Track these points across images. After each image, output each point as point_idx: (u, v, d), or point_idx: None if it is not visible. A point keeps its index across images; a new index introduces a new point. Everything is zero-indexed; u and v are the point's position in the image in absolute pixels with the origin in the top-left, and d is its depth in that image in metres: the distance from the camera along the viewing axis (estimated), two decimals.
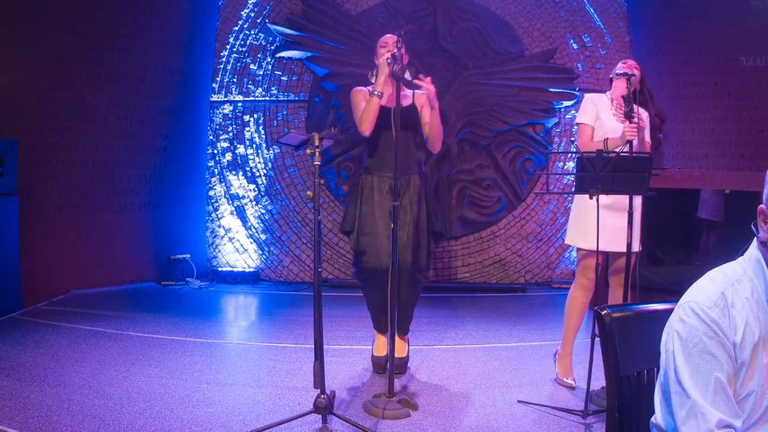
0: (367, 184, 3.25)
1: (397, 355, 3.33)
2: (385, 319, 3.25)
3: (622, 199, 3.05)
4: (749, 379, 1.20)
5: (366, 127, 3.15)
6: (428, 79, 3.13)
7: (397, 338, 3.31)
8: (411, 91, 3.30)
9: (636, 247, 3.06)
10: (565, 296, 3.35)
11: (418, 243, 3.21)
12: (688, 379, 1.20)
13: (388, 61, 3.03)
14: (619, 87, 3.15)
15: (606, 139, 2.93)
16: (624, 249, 2.99)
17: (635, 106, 2.93)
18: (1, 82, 4.82)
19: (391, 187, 3.17)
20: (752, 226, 1.27)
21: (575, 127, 3.35)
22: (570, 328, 3.23)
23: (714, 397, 1.18)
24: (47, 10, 5.01)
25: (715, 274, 1.28)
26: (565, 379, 3.21)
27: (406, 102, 3.19)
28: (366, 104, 3.15)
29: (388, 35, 3.30)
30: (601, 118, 3.17)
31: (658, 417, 1.32)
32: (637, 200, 3.05)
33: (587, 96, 3.27)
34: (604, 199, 3.00)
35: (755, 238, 1.28)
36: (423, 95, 3.26)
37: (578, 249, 3.23)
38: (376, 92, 3.11)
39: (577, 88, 5.96)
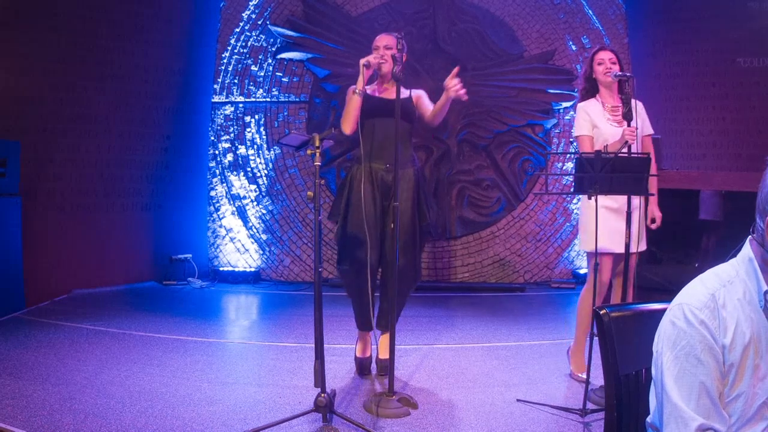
0: (357, 175, 3.20)
1: (381, 356, 3.33)
2: (367, 314, 3.24)
3: (626, 202, 3.08)
4: (739, 380, 1.20)
5: (347, 126, 3.16)
6: (456, 79, 3.04)
7: (381, 337, 3.32)
8: (408, 89, 3.29)
9: (642, 246, 3.09)
10: (564, 296, 3.38)
11: (408, 241, 3.19)
12: (672, 382, 1.20)
13: (364, 64, 3.09)
14: (607, 89, 3.19)
15: (606, 145, 2.94)
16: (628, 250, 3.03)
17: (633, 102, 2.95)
18: (4, 84, 4.85)
19: (383, 179, 3.17)
20: (751, 230, 1.27)
21: (574, 141, 3.33)
22: (582, 326, 3.26)
23: (697, 401, 1.17)
24: (49, 11, 5.03)
25: (707, 275, 1.28)
26: (579, 375, 3.24)
27: (401, 95, 3.17)
28: (347, 104, 3.16)
29: (382, 35, 3.30)
30: (598, 126, 3.15)
31: (652, 417, 1.33)
32: (639, 200, 3.07)
33: (579, 106, 3.24)
34: (610, 202, 3.03)
35: (748, 239, 1.28)
36: (417, 91, 3.33)
37: (588, 252, 3.26)
38: (357, 91, 3.12)
39: (576, 90, 5.98)
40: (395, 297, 2.96)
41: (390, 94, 3.21)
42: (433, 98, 3.32)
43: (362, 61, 3.11)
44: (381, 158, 3.18)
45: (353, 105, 3.13)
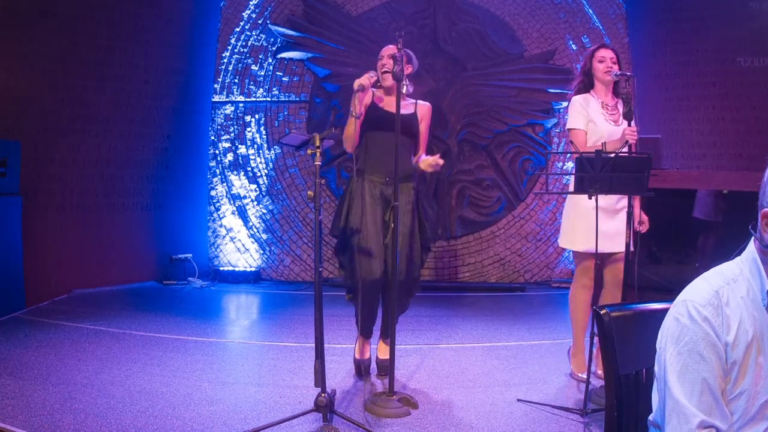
0: (357, 189, 3.15)
1: (380, 356, 3.35)
2: (371, 325, 3.29)
3: (614, 203, 3.09)
4: (741, 378, 1.21)
5: (348, 146, 3.15)
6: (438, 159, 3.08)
7: (380, 342, 3.35)
8: (414, 100, 3.25)
9: (622, 246, 3.08)
10: (564, 296, 3.38)
11: (409, 254, 3.16)
12: (675, 378, 1.21)
13: (358, 88, 3.00)
14: (604, 86, 3.19)
15: (604, 143, 2.92)
16: (615, 249, 3.05)
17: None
18: (4, 84, 4.85)
19: (383, 193, 3.13)
20: (750, 228, 1.28)
21: (568, 132, 3.33)
22: (578, 326, 3.25)
23: (699, 398, 1.18)
24: (50, 11, 5.03)
25: (711, 273, 1.29)
26: (579, 374, 3.24)
27: (407, 110, 3.14)
28: (347, 125, 3.12)
29: (387, 47, 3.21)
30: (594, 122, 3.13)
31: (654, 414, 1.33)
32: (632, 201, 3.07)
33: (575, 99, 3.21)
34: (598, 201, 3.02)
35: (752, 238, 1.29)
36: (424, 107, 3.25)
37: (575, 252, 3.25)
38: (354, 114, 3.05)
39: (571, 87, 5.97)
40: (395, 304, 2.95)
41: (389, 104, 3.14)
42: (434, 98, 3.30)
43: (355, 86, 3.00)
44: (381, 171, 3.12)
45: (352, 128, 3.09)
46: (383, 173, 3.11)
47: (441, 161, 3.06)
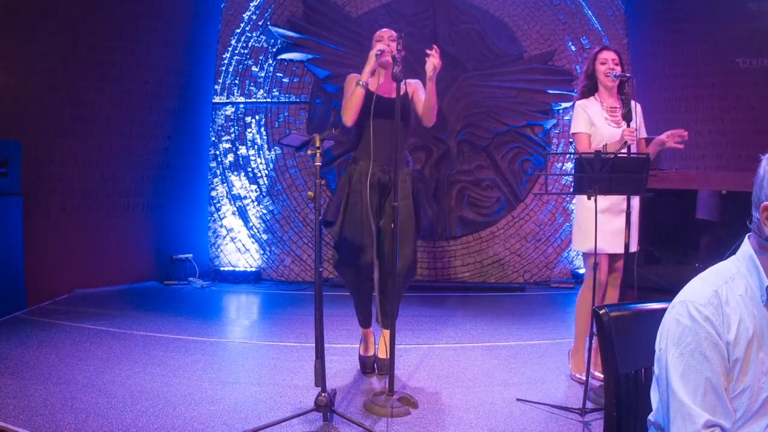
0: (354, 176, 3.20)
1: (380, 355, 3.37)
2: (367, 312, 3.35)
3: (620, 203, 3.10)
4: (744, 375, 1.21)
5: (348, 117, 3.12)
6: (436, 50, 3.07)
7: (382, 337, 3.36)
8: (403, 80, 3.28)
9: (633, 247, 3.09)
10: (563, 296, 3.39)
11: (405, 239, 3.18)
12: (678, 379, 1.21)
13: (377, 53, 3.06)
14: (607, 89, 3.20)
15: (605, 145, 2.93)
16: (619, 251, 3.05)
17: (633, 104, 2.96)
18: (5, 84, 4.85)
19: (380, 180, 3.17)
20: (748, 223, 1.28)
21: (571, 137, 3.35)
22: (581, 326, 3.26)
23: (704, 397, 1.19)
24: (51, 12, 5.04)
25: (708, 273, 1.30)
26: (577, 375, 3.26)
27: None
28: (350, 94, 3.11)
29: (384, 29, 3.30)
30: (595, 125, 3.16)
31: (655, 414, 1.34)
32: (635, 201, 3.09)
33: (578, 104, 3.25)
34: (602, 203, 3.03)
35: (747, 236, 1.30)
36: (413, 83, 3.28)
37: (584, 252, 3.28)
38: (360, 83, 3.07)
39: (576, 90, 5.98)
40: (395, 296, 2.98)
41: (386, 90, 3.20)
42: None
43: (374, 51, 3.06)
44: (378, 158, 3.16)
45: (356, 98, 3.08)
46: (380, 160, 3.15)
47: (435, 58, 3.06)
